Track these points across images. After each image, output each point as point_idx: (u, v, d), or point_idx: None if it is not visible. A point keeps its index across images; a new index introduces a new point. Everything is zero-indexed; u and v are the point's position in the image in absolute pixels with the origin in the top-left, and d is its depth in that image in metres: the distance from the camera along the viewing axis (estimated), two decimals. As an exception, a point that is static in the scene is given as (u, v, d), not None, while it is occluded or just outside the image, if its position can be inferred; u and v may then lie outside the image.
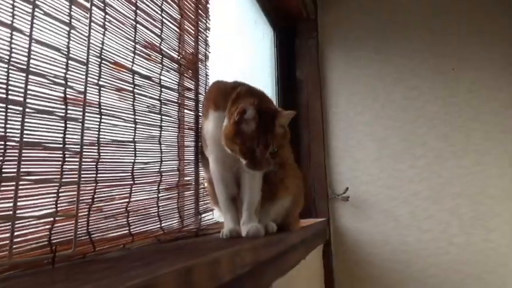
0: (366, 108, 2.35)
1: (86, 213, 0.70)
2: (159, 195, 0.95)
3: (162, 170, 0.96)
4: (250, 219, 1.05)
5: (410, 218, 2.22)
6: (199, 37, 1.24)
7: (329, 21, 2.52)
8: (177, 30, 1.09)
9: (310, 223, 1.80)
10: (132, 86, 0.86)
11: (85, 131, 0.69)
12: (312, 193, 2.33)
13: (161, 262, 0.62)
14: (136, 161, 0.86)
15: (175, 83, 1.07)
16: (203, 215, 1.15)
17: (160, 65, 0.99)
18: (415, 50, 2.33)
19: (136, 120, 0.86)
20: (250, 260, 0.78)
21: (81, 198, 0.68)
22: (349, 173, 2.34)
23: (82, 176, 0.67)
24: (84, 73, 0.68)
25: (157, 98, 0.97)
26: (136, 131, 0.86)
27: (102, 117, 0.75)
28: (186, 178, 1.12)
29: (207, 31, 1.29)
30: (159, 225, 0.93)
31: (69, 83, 0.66)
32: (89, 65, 0.70)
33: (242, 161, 0.95)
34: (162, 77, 0.99)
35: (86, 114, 0.69)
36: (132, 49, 0.87)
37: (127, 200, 0.82)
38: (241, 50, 1.91)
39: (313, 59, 2.47)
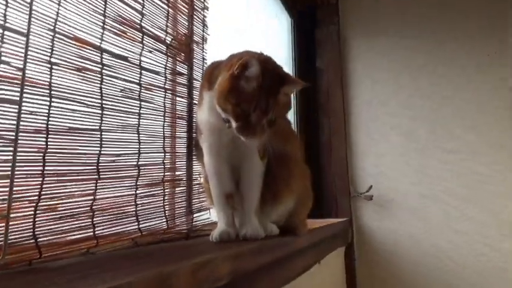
0: (391, 98, 2.16)
1: (32, 212, 0.60)
2: (139, 192, 0.84)
3: (140, 163, 0.85)
4: (249, 219, 0.92)
5: (442, 219, 2.01)
6: (195, 17, 1.12)
7: (351, 6, 2.34)
8: (165, 7, 0.97)
9: (327, 223, 1.65)
10: (100, 66, 0.75)
11: (32, 117, 0.58)
12: (333, 190, 2.17)
13: (112, 272, 0.51)
14: (104, 152, 0.74)
15: (162, 66, 0.95)
16: (196, 215, 1.02)
17: (141, 45, 0.87)
18: (445, 34, 2.11)
19: (105, 106, 0.75)
20: (228, 270, 0.65)
21: (26, 195, 0.58)
22: (372, 168, 2.16)
23: (25, 169, 0.56)
24: (23, 46, 0.57)
25: (137, 81, 0.85)
26: (107, 119, 0.75)
27: (55, 100, 0.64)
28: (177, 173, 1.01)
29: (205, 11, 1.16)
30: (136, 226, 0.82)
31: (3, 58, 0.55)
32: (39, 40, 0.59)
33: (233, 124, 0.82)
34: (142, 58, 0.88)
35: (32, 96, 0.58)
36: (101, 24, 0.76)
37: (91, 197, 0.71)
38: (255, 38, 1.77)
39: (334, 46, 2.29)
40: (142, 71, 0.87)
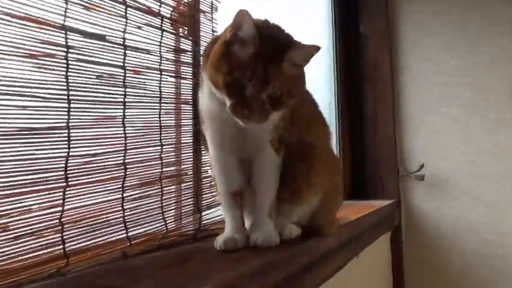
0: (446, 66, 1.86)
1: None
2: (127, 194, 0.72)
3: (128, 161, 0.72)
4: (261, 223, 0.79)
5: (503, 203, 1.74)
6: (201, -20, 0.95)
7: (401, -42, 2.02)
8: (158, -30, 0.82)
9: (370, 210, 1.46)
10: (64, 49, 0.61)
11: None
12: (379, 169, 1.96)
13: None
14: (74, 154, 0.63)
15: (156, 43, 0.80)
16: (205, 212, 0.90)
17: (124, 20, 0.73)
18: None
19: (73, 98, 0.62)
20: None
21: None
22: (425, 146, 1.90)
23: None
24: None
25: (120, 64, 0.72)
26: (76, 113, 0.63)
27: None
28: (182, 166, 0.88)
29: (214, -28, 0.99)
30: (124, 235, 0.71)
31: None
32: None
33: (226, 102, 0.68)
34: (128, 36, 0.73)
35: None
36: (64, -3, 0.62)
37: (59, 208, 0.60)
38: (285, 2, 1.56)
39: (380, 8, 2.00)
40: (127, 51, 0.73)
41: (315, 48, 0.70)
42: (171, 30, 0.85)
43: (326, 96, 1.84)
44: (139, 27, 0.76)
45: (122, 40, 0.72)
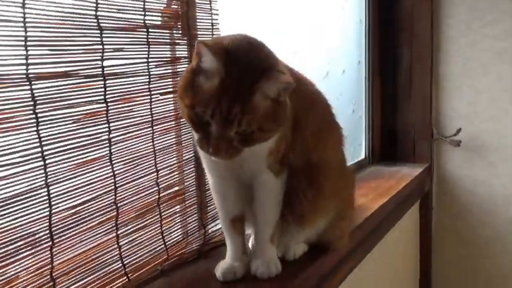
0: (499, 16, 1.61)
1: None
2: (121, 231, 0.71)
3: (119, 198, 0.69)
4: (262, 251, 0.76)
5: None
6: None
7: None
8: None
9: (398, 188, 1.38)
10: (32, 103, 0.56)
11: None
12: (411, 132, 1.84)
13: None
14: (59, 209, 0.60)
15: (142, 59, 0.72)
16: (210, 225, 0.88)
17: (100, 46, 0.64)
18: None
19: (47, 154, 0.58)
20: None
21: None
22: (464, 107, 1.74)
23: None
24: None
25: (101, 99, 0.65)
26: (54, 167, 0.59)
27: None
28: (185, 183, 0.85)
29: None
30: (123, 271, 0.71)
31: None
32: None
33: (194, 135, 0.65)
34: (106, 63, 0.66)
35: None
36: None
37: (48, 267, 0.59)
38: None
39: None
40: (108, 81, 0.66)
41: (290, 85, 0.61)
42: (161, 40, 0.76)
43: (354, 55, 1.68)
44: (118, 50, 0.68)
45: (101, 70, 0.65)
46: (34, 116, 0.56)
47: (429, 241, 1.87)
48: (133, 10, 0.70)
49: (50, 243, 0.59)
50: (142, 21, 0.71)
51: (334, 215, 0.83)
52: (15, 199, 0.55)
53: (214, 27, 0.86)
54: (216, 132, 0.60)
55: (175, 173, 0.82)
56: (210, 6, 0.85)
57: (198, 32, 0.83)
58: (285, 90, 0.62)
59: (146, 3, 0.72)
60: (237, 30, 0.73)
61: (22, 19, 0.54)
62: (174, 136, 0.80)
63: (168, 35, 0.78)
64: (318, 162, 0.77)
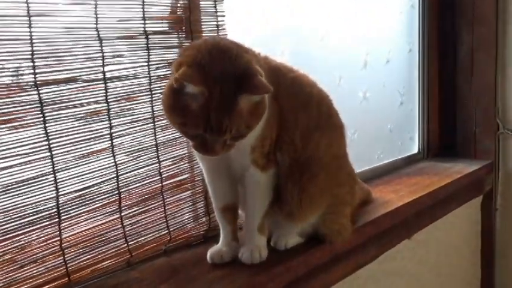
0: None
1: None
2: (126, 212, 0.82)
3: (122, 183, 0.80)
4: (250, 238, 0.82)
5: None
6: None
7: None
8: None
9: (439, 185, 1.30)
10: (39, 106, 0.68)
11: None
12: (472, 124, 1.69)
13: None
14: (65, 192, 0.73)
15: (143, 64, 0.82)
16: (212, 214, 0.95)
17: (100, 54, 0.75)
18: None
19: (54, 146, 0.71)
20: None
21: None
22: (534, 98, 1.54)
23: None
24: None
25: (102, 99, 0.76)
26: (60, 157, 0.72)
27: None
28: (191, 173, 0.93)
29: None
30: (126, 247, 0.82)
31: None
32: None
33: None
34: (107, 68, 0.76)
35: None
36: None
37: (57, 238, 0.72)
38: None
39: None
40: (109, 83, 0.77)
41: (267, 91, 0.66)
42: (162, 44, 0.84)
43: (403, 43, 1.58)
44: (118, 56, 0.78)
45: (102, 74, 0.76)
46: (41, 115, 0.69)
47: (492, 246, 1.71)
48: (132, 20, 0.79)
49: (57, 219, 0.72)
50: (142, 29, 0.81)
51: (326, 210, 0.84)
52: (26, 182, 0.68)
53: (219, 28, 0.92)
54: (210, 140, 0.66)
55: (180, 163, 0.90)
56: (215, 9, 0.91)
57: (203, 34, 0.90)
58: (265, 94, 0.68)
59: (146, 13, 0.80)
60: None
61: (29, 36, 0.66)
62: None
63: (171, 39, 0.86)
64: (306, 162, 0.79)
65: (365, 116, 1.39)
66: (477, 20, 1.61)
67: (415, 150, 1.67)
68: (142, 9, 0.80)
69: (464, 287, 1.62)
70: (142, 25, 0.81)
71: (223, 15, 0.93)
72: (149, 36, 0.81)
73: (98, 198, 0.78)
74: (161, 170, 0.86)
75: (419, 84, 1.65)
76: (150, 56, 0.82)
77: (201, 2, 0.89)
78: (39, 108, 0.69)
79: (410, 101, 1.64)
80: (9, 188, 0.67)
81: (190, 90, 0.64)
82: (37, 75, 0.68)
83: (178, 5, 0.87)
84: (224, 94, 0.64)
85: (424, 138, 1.67)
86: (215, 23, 0.92)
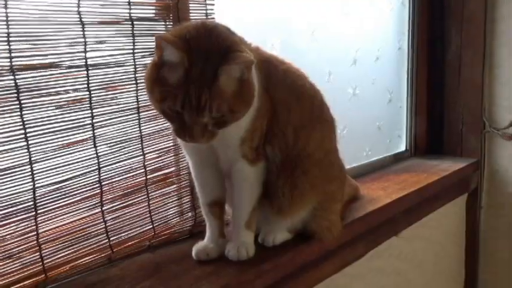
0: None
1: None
2: (108, 207, 0.78)
3: (104, 176, 0.77)
4: (237, 235, 0.79)
5: None
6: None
7: None
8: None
9: (423, 184, 1.29)
10: (15, 91, 0.64)
11: None
12: (459, 123, 1.69)
13: None
14: (43, 184, 0.69)
15: (128, 51, 0.78)
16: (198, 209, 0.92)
17: (82, 40, 0.71)
18: None
19: (30, 135, 0.67)
20: None
21: None
22: (520, 98, 1.55)
23: None
24: None
25: (84, 87, 0.72)
26: (37, 147, 0.68)
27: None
28: (175, 167, 0.90)
29: None
30: (107, 242, 0.78)
31: None
32: None
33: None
34: (89, 54, 0.73)
35: None
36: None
37: (33, 233, 0.68)
38: None
39: None
40: (92, 71, 0.73)
41: (250, 62, 0.63)
42: (149, 31, 0.81)
43: (393, 41, 1.58)
44: (101, 42, 0.74)
45: (84, 60, 0.72)
46: (18, 102, 0.65)
47: (476, 243, 1.72)
48: (117, 4, 0.75)
49: (34, 212, 0.68)
50: (127, 15, 0.77)
51: (317, 206, 0.82)
52: (0, 173, 0.64)
53: (208, 17, 0.89)
54: (189, 120, 0.63)
55: (166, 156, 0.87)
56: (205, -2, 0.88)
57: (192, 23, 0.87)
58: (247, 67, 0.64)
59: (131, -2, 0.77)
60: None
61: (5, 17, 0.62)
62: (163, 122, 0.85)
63: (157, 26, 0.82)
64: (298, 157, 0.78)
65: (354, 113, 1.38)
66: (466, 19, 1.61)
67: (402, 148, 1.67)
68: (127, -4, 0.76)
69: (449, 284, 1.63)
70: (128, 10, 0.77)
71: (213, 4, 0.90)
72: (135, 23, 0.78)
73: (77, 191, 0.74)
74: (146, 163, 0.83)
75: (407, 82, 1.65)
76: (136, 44, 0.79)
77: (190, -13, 0.86)
78: (15, 95, 0.64)
79: (399, 99, 1.64)
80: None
81: (170, 58, 0.62)
82: (13, 60, 0.64)
83: (167, -10, 0.83)
84: (205, 68, 0.62)
85: (412, 136, 1.67)
86: (204, 11, 0.89)
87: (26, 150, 0.66)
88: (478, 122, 1.64)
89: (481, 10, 1.57)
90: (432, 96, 1.71)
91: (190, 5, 0.87)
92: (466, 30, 1.62)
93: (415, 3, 1.60)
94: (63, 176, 0.72)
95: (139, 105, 0.80)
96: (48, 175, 0.70)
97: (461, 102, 1.67)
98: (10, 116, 0.64)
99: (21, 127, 0.66)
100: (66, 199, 0.73)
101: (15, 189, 0.66)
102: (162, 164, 0.86)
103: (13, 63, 0.64)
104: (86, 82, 0.72)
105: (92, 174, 0.75)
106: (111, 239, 0.79)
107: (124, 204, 0.81)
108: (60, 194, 0.72)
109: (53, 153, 0.70)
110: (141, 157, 0.82)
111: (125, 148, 0.80)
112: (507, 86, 1.58)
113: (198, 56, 0.62)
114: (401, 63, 1.63)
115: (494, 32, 1.57)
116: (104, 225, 0.78)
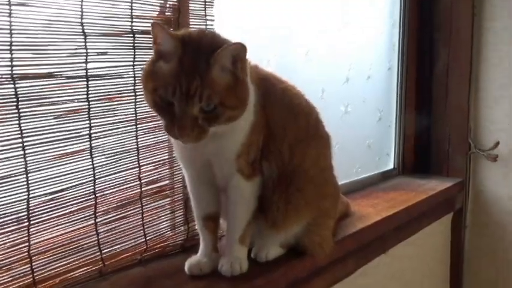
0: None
1: None
2: (101, 219, 0.77)
3: (100, 188, 0.76)
4: (230, 250, 0.79)
5: None
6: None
7: None
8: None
9: (412, 202, 1.31)
10: (15, 100, 0.64)
11: None
12: (445, 143, 1.73)
13: None
14: (37, 194, 0.68)
15: (128, 63, 0.78)
16: (192, 223, 0.92)
17: (84, 50, 0.71)
18: None
19: (27, 144, 0.66)
20: None
21: None
22: (505, 120, 1.61)
23: None
24: None
25: (83, 97, 0.72)
26: (33, 157, 0.67)
27: None
28: (169, 180, 0.90)
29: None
30: (99, 255, 0.77)
31: None
32: None
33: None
34: (90, 65, 0.73)
35: None
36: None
37: (25, 244, 0.67)
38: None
39: None
40: (92, 81, 0.73)
41: (240, 47, 0.64)
42: (150, 44, 0.81)
43: (384, 61, 1.62)
44: (102, 54, 0.74)
45: (84, 72, 0.72)
46: (16, 111, 0.64)
47: (461, 262, 1.75)
48: (120, 17, 0.76)
49: (27, 223, 0.67)
50: (129, 28, 0.77)
51: (311, 221, 0.83)
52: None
53: (207, 25, 0.90)
54: (179, 110, 0.63)
55: (161, 169, 0.87)
56: (205, 12, 0.90)
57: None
58: (239, 55, 0.65)
59: (134, 11, 0.77)
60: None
61: (8, 26, 0.62)
62: (160, 134, 0.85)
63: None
64: (293, 173, 0.78)
65: (346, 130, 1.40)
66: (453, 39, 1.66)
67: (390, 166, 1.70)
68: (130, 7, 0.77)
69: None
70: (130, 23, 0.77)
71: (213, 19, 0.91)
72: (136, 35, 0.78)
73: (72, 202, 0.73)
74: (141, 175, 0.82)
75: (396, 101, 1.69)
76: (136, 56, 0.79)
77: (190, 4, 0.87)
78: (14, 103, 0.64)
79: (388, 118, 1.67)
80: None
81: (164, 47, 0.64)
82: (14, 68, 0.63)
83: (168, 5, 0.84)
84: (198, 58, 0.63)
85: (400, 154, 1.70)
86: (204, 26, 0.90)
87: (22, 160, 0.66)
88: (464, 142, 1.68)
89: (468, 30, 1.62)
90: (420, 115, 1.75)
91: (191, 19, 0.88)
92: (453, 49, 1.66)
93: (405, 23, 1.64)
94: (58, 186, 0.71)
95: (138, 117, 0.80)
96: (43, 185, 0.69)
97: (448, 123, 1.71)
98: (8, 125, 0.64)
99: (19, 136, 0.65)
100: (60, 210, 0.71)
101: (9, 199, 0.65)
102: (157, 176, 0.86)
103: (14, 72, 0.63)
104: (85, 92, 0.72)
105: (87, 186, 0.75)
106: (103, 251, 0.78)
107: (118, 217, 0.80)
108: (54, 204, 0.71)
109: (49, 163, 0.69)
110: (137, 169, 0.82)
111: (121, 160, 0.79)
112: (492, 108, 1.63)
113: (191, 47, 0.64)
114: (391, 82, 1.67)
115: (481, 53, 1.63)
116: (96, 238, 0.77)
